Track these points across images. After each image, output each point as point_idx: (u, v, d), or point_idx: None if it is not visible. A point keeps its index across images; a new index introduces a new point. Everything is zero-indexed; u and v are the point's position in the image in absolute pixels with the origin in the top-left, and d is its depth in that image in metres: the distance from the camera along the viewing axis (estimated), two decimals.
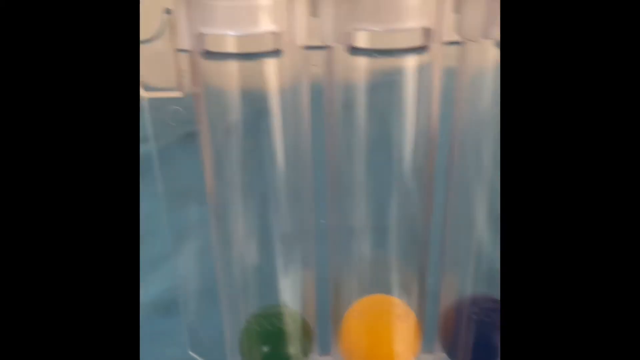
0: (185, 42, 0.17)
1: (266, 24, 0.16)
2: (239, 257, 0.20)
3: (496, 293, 0.20)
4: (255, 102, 0.18)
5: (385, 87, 0.17)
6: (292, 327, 0.21)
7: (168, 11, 0.17)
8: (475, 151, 0.19)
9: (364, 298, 0.21)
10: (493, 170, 0.19)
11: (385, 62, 0.17)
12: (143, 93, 0.18)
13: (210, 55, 0.17)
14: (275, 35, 0.16)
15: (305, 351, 0.22)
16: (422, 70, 0.17)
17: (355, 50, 0.16)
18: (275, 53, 0.16)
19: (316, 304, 0.22)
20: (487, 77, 0.18)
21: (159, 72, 0.17)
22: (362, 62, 0.17)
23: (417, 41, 0.16)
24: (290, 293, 0.21)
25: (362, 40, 0.16)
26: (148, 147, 0.19)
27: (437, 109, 0.18)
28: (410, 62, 0.17)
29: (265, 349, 0.22)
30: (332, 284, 0.21)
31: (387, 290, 0.21)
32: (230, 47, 0.16)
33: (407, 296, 0.21)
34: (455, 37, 0.17)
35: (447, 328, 0.21)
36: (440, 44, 0.17)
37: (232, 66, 0.17)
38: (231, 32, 0.16)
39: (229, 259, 0.20)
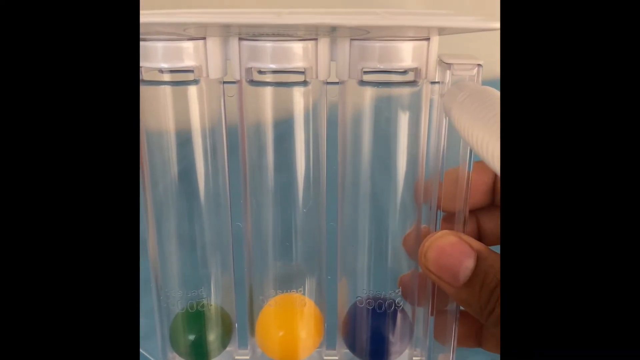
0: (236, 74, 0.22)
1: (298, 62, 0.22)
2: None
3: (387, 292, 0.25)
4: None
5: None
6: (212, 315, 0.26)
7: None
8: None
9: (277, 296, 0.25)
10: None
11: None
12: None
13: (254, 83, 0.22)
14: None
15: (224, 341, 0.27)
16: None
17: (363, 83, 0.22)
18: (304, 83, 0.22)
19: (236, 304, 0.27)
20: None
21: None
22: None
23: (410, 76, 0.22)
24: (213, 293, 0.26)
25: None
26: None
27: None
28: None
29: (191, 331, 0.26)
30: (247, 284, 0.26)
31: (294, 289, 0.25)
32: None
33: (310, 294, 0.26)
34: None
35: (344, 322, 0.26)
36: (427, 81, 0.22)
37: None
38: (272, 66, 0.22)
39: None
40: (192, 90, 0.22)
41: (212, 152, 0.24)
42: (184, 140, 0.23)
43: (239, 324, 0.27)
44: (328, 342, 0.27)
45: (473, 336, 0.27)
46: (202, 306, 0.25)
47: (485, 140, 0.16)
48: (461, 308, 0.25)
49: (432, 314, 0.26)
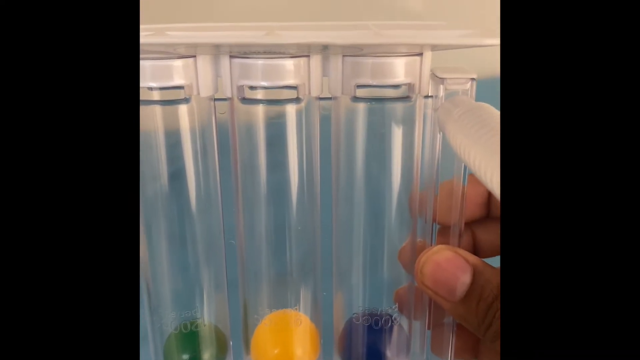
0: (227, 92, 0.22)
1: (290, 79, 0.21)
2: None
3: (382, 307, 0.25)
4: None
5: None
6: (206, 334, 0.25)
7: None
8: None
9: (272, 313, 0.25)
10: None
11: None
12: None
13: (246, 101, 0.22)
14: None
15: (219, 358, 0.26)
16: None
17: (356, 99, 0.22)
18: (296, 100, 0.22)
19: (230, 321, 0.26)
20: None
21: None
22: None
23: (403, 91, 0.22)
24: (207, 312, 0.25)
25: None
26: None
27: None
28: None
29: (185, 351, 0.25)
30: (242, 302, 0.26)
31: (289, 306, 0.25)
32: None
33: (305, 310, 0.25)
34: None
35: (340, 338, 0.26)
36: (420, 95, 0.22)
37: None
38: (264, 83, 0.21)
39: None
40: (183, 109, 0.22)
41: (204, 172, 0.23)
42: (175, 159, 0.23)
43: (234, 341, 0.27)
44: (324, 358, 0.27)
45: (470, 349, 0.27)
46: (196, 326, 0.25)
47: (484, 165, 0.16)
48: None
49: (428, 328, 0.26)
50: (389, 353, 0.25)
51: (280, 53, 0.21)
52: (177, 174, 0.23)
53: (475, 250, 0.26)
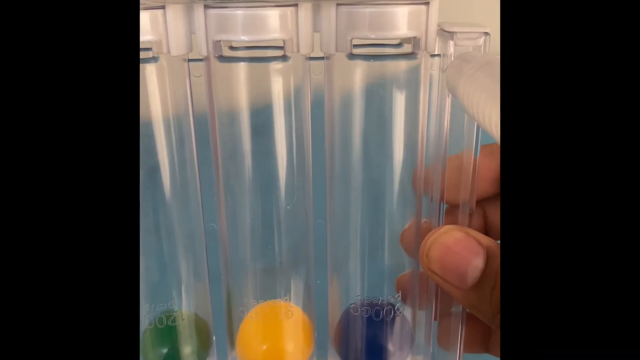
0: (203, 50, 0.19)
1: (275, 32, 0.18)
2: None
3: (383, 296, 0.22)
4: None
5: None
6: (185, 329, 0.23)
7: None
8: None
9: (259, 305, 0.23)
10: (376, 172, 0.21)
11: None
12: None
13: (224, 59, 0.19)
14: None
15: (201, 356, 0.23)
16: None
17: (353, 56, 0.19)
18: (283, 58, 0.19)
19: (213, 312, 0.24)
20: None
21: None
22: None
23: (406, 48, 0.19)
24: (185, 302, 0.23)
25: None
26: None
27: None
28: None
29: (161, 348, 0.23)
30: (225, 292, 0.23)
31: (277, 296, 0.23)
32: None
33: (297, 301, 0.23)
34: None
35: (337, 330, 0.24)
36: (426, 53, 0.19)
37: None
38: (244, 38, 0.18)
39: None
40: (151, 69, 0.19)
41: (178, 143, 0.21)
42: (145, 129, 0.20)
43: (217, 336, 0.24)
44: (319, 352, 0.24)
45: (480, 340, 0.24)
46: (174, 320, 0.22)
47: None
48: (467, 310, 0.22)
49: (435, 318, 0.24)
50: (391, 347, 0.23)
51: (262, 0, 0.18)
52: (148, 148, 0.20)
53: (487, 232, 0.24)
